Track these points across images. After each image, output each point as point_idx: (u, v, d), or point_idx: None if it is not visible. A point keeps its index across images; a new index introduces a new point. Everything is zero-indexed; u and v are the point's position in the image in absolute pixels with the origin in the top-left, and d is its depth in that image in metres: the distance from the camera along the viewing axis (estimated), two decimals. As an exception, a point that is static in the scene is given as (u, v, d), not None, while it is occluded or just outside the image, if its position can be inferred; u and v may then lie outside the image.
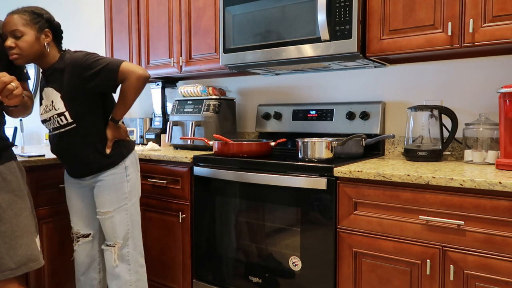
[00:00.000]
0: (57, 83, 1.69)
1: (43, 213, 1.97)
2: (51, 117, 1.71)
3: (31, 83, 4.00)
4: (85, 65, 1.65)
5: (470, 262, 1.37)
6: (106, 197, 1.75)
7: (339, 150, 1.94)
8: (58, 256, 2.05)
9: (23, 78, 1.61)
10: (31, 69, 4.08)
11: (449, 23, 1.63)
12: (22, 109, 1.59)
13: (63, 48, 1.77)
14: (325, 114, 2.25)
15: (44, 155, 2.03)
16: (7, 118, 1.61)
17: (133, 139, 2.93)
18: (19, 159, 1.66)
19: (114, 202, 1.76)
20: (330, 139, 1.89)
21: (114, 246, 1.77)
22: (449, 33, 1.63)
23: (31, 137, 4.17)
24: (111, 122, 1.75)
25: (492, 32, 1.56)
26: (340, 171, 1.61)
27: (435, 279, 1.44)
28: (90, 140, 1.72)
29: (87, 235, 1.87)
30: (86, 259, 1.88)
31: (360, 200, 1.58)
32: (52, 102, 1.69)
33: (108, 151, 1.74)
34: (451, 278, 1.39)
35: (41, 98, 1.78)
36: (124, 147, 1.80)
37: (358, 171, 1.56)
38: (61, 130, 1.70)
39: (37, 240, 1.55)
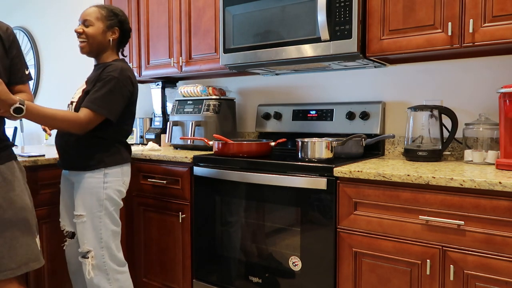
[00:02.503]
0: (91, 78, 1.78)
1: (43, 213, 1.97)
2: (70, 103, 1.81)
3: (31, 83, 4.00)
4: (102, 76, 1.70)
5: (470, 262, 1.37)
6: (80, 200, 1.72)
7: (339, 150, 1.94)
8: (58, 256, 2.06)
9: (23, 80, 1.60)
10: (31, 69, 4.08)
11: (449, 23, 1.63)
12: None
13: (125, 54, 1.92)
14: (325, 114, 2.25)
15: (44, 155, 2.03)
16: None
17: (132, 140, 2.94)
18: (19, 159, 1.66)
19: (87, 207, 1.71)
20: (330, 139, 1.89)
21: (88, 258, 1.71)
22: (449, 33, 1.63)
23: (31, 137, 4.17)
24: (16, 98, 1.42)
25: (492, 32, 1.56)
26: (340, 171, 1.61)
27: (435, 279, 1.44)
28: (80, 136, 1.70)
29: (72, 235, 1.88)
30: (73, 260, 1.89)
31: (360, 200, 1.58)
32: (77, 90, 1.81)
33: None
34: (451, 278, 1.39)
35: None
36: (108, 156, 1.75)
37: (358, 171, 1.56)
38: None
39: (37, 240, 1.55)
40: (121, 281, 1.78)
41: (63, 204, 1.89)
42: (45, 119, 1.54)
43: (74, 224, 1.85)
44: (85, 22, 1.75)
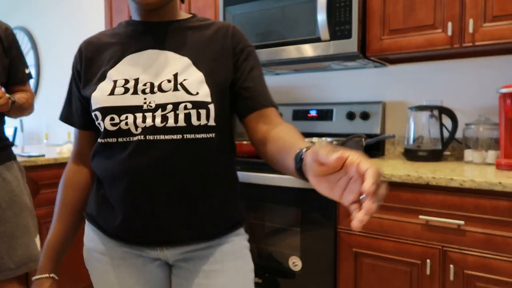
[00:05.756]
0: (188, 51, 0.90)
1: (43, 213, 1.97)
2: (166, 104, 0.83)
3: (31, 82, 3.99)
4: (247, 45, 0.96)
5: (470, 262, 1.37)
6: (233, 276, 0.91)
7: (339, 150, 1.93)
8: (58, 256, 2.05)
9: (24, 80, 1.60)
10: (31, 69, 4.08)
11: (449, 23, 1.63)
12: (18, 112, 1.57)
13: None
14: (325, 114, 2.25)
15: (44, 155, 2.03)
16: (7, 118, 1.60)
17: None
18: (19, 159, 1.66)
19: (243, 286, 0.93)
20: (330, 139, 1.89)
21: None
22: (449, 33, 1.63)
23: (31, 137, 4.17)
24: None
25: (492, 32, 1.56)
26: (340, 171, 1.60)
27: (435, 279, 1.44)
28: (226, 172, 0.94)
29: None
30: None
31: (360, 200, 1.58)
32: (176, 75, 0.86)
33: None
34: (451, 278, 1.39)
35: (108, 66, 0.89)
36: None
37: (358, 171, 1.55)
38: (190, 135, 0.84)
39: (37, 240, 1.55)
40: None
41: None
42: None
43: None
44: None
